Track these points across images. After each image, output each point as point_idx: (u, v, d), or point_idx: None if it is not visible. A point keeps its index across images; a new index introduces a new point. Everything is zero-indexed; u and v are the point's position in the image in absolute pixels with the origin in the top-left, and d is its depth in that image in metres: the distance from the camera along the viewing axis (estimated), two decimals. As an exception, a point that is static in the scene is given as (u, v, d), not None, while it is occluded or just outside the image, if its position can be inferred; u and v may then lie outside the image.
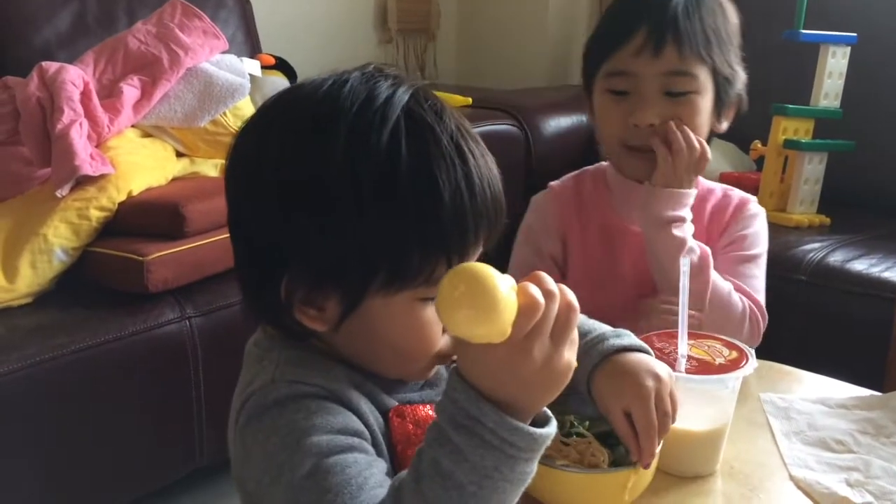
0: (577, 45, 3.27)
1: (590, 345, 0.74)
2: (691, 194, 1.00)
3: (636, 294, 1.02)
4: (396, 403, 0.68)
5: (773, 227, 1.56)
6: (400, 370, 0.68)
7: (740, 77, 1.04)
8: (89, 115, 1.61)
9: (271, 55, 2.34)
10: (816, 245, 1.79)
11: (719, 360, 0.78)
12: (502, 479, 0.53)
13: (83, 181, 1.55)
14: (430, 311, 0.63)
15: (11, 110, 1.60)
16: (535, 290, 0.52)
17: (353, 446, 0.60)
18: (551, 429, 0.56)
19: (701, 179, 1.09)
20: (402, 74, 0.65)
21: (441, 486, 0.52)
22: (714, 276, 0.99)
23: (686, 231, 0.99)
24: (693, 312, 0.91)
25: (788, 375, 1.03)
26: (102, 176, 1.56)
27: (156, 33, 1.82)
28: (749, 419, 0.90)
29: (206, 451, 1.58)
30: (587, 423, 0.76)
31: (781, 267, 1.65)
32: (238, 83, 1.84)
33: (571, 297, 0.54)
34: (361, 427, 0.62)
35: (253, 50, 2.37)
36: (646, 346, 0.75)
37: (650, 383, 0.69)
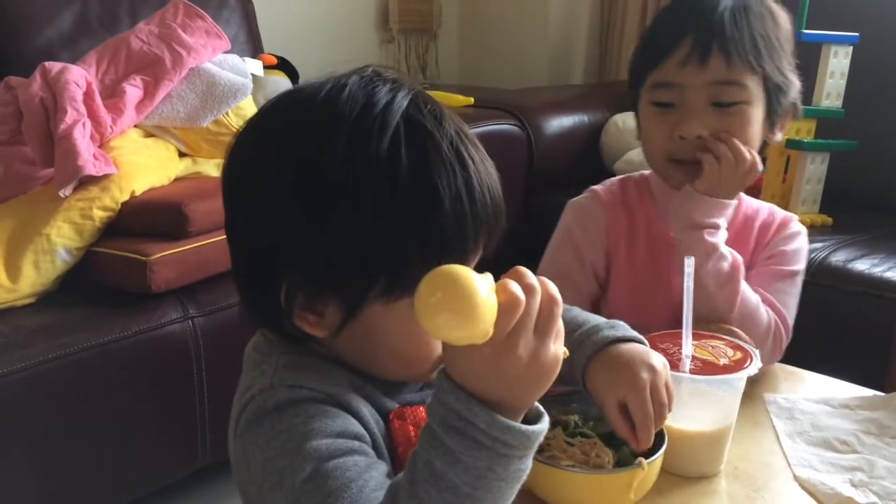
0: (579, 44, 3.28)
1: (584, 336, 0.74)
2: (731, 205, 0.96)
3: (678, 318, 0.95)
4: (397, 405, 0.68)
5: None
6: (401, 374, 0.68)
7: (794, 85, 0.99)
8: (92, 115, 1.61)
9: (273, 55, 2.34)
10: (819, 245, 1.79)
11: (723, 361, 0.79)
12: (496, 478, 0.53)
13: (86, 181, 1.56)
14: None
15: (14, 110, 1.60)
16: (514, 287, 0.52)
17: (353, 449, 0.59)
18: (543, 425, 0.55)
19: (748, 199, 1.06)
20: (401, 77, 0.65)
21: (435, 488, 0.52)
22: (743, 286, 0.95)
23: (719, 238, 0.95)
24: (735, 329, 0.90)
25: (792, 376, 1.03)
26: (105, 176, 1.56)
27: (158, 33, 1.82)
28: (753, 419, 0.90)
29: (209, 450, 1.58)
30: (591, 423, 0.76)
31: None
32: (240, 83, 1.84)
33: (553, 289, 0.54)
34: (361, 430, 0.62)
35: (255, 50, 2.37)
36: (640, 336, 0.74)
37: (645, 374, 0.70)
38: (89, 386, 1.41)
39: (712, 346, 0.81)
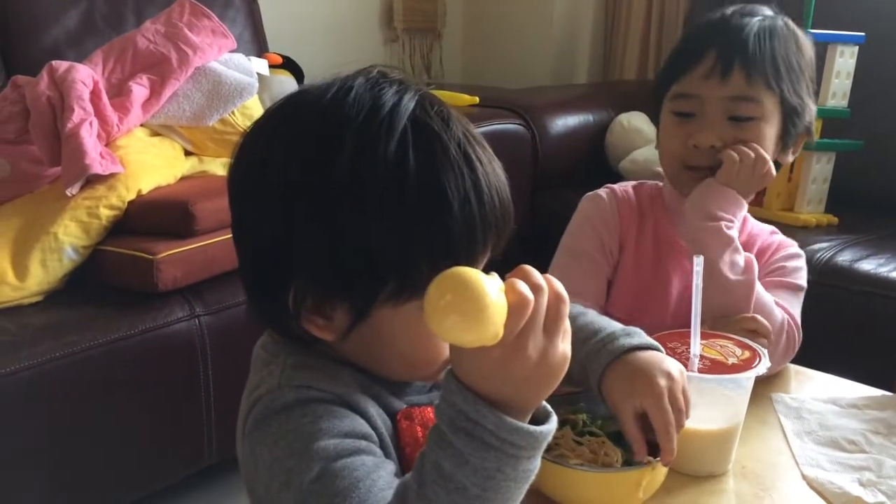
0: (583, 44, 3.29)
1: (600, 345, 0.74)
2: (744, 205, 0.99)
3: (673, 322, 0.97)
4: (404, 406, 0.67)
5: (781, 227, 1.55)
6: (408, 376, 0.68)
7: (810, 110, 1.02)
8: (99, 114, 1.62)
9: (278, 54, 2.34)
10: (825, 245, 1.79)
11: (732, 360, 0.79)
12: (505, 479, 0.53)
13: (93, 180, 1.56)
14: None
15: (22, 109, 1.60)
16: (522, 287, 0.51)
17: (361, 449, 0.59)
18: (552, 425, 0.55)
19: (753, 220, 1.09)
20: (407, 78, 0.64)
21: (444, 490, 0.52)
22: (758, 286, 0.97)
23: (734, 233, 0.97)
24: (757, 316, 0.91)
25: (799, 375, 1.03)
26: (112, 175, 1.57)
27: (164, 32, 1.82)
28: (760, 419, 0.90)
29: (215, 449, 1.59)
30: (599, 422, 0.76)
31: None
32: (246, 82, 1.84)
33: (559, 287, 0.54)
34: (369, 430, 0.62)
35: (260, 49, 2.37)
36: (657, 343, 0.74)
37: (663, 382, 0.69)
38: (95, 384, 1.42)
39: (720, 346, 0.81)
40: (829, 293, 1.66)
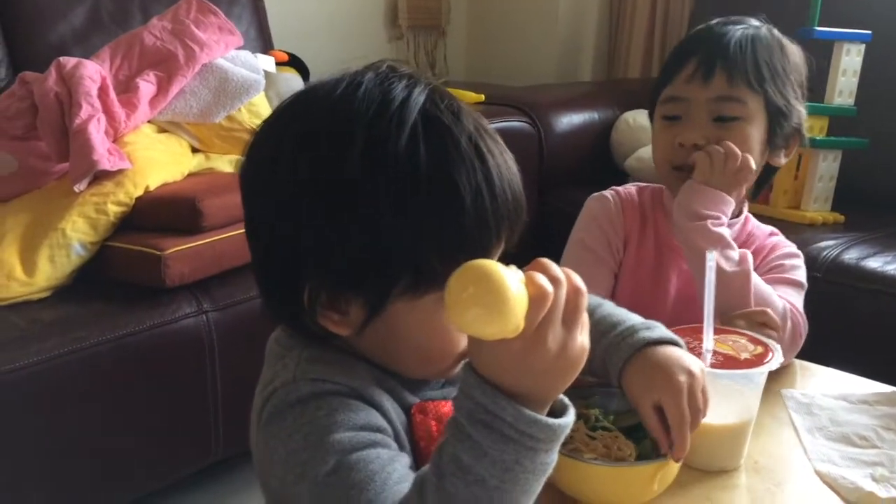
0: (588, 41, 3.28)
1: (619, 338, 0.74)
2: (729, 202, 1.00)
3: (670, 324, 0.99)
4: (418, 400, 0.68)
5: (787, 225, 1.55)
6: (424, 370, 0.68)
7: (797, 112, 1.04)
8: (106, 110, 1.62)
9: (284, 52, 2.34)
10: (831, 242, 1.79)
11: (744, 356, 0.79)
12: (523, 471, 0.53)
13: (100, 176, 1.56)
14: None
15: (30, 105, 1.60)
16: (541, 279, 0.51)
17: (376, 442, 0.59)
18: (570, 417, 0.55)
19: (755, 221, 1.11)
20: (417, 73, 0.64)
21: (463, 482, 0.52)
22: (755, 277, 0.98)
23: (723, 230, 0.98)
24: (767, 310, 0.92)
25: (808, 371, 1.03)
26: (119, 171, 1.57)
27: (171, 29, 1.83)
28: (771, 415, 0.90)
29: (222, 445, 1.59)
30: (612, 416, 0.76)
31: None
32: (253, 79, 1.84)
33: (577, 279, 0.54)
34: (384, 423, 0.62)
35: (265, 46, 2.38)
36: (677, 338, 0.74)
37: (683, 378, 0.69)
38: (103, 379, 1.42)
39: (733, 341, 0.81)
40: (835, 291, 1.66)
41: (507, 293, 0.49)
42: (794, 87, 1.04)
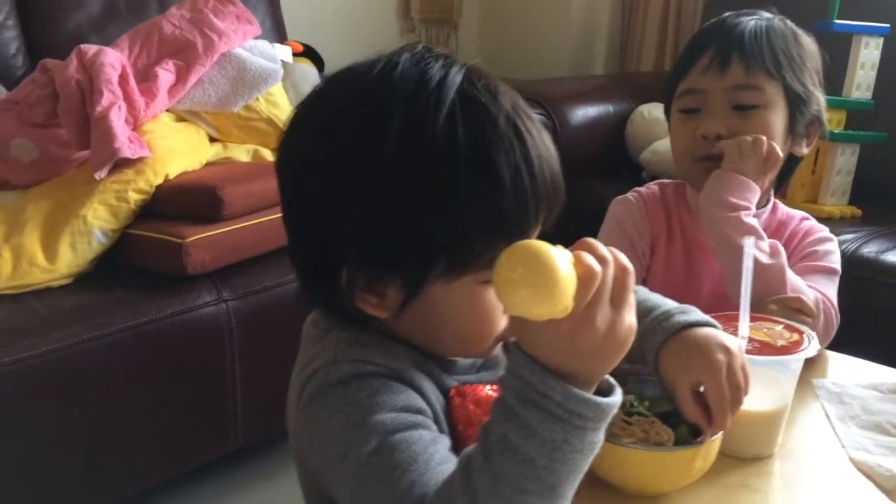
0: (601, 34, 3.27)
1: (655, 322, 0.74)
2: (756, 191, 0.99)
3: None
4: (456, 383, 0.68)
5: (805, 219, 1.52)
6: (463, 351, 0.68)
7: (816, 98, 1.03)
8: (126, 98, 1.62)
9: (299, 42, 2.34)
10: (850, 236, 1.78)
11: (780, 343, 0.78)
12: (572, 450, 0.53)
13: (121, 164, 1.56)
14: (492, 294, 0.61)
15: (51, 92, 1.61)
16: (589, 259, 0.51)
17: (417, 423, 0.59)
18: (617, 397, 0.55)
19: (783, 207, 1.10)
20: (452, 54, 0.64)
21: (511, 461, 0.52)
22: (788, 269, 0.97)
23: (755, 221, 0.98)
24: (802, 297, 0.92)
25: (837, 361, 1.03)
26: (140, 159, 1.57)
27: (190, 18, 1.83)
28: (802, 403, 0.90)
29: (241, 433, 1.59)
30: (647, 403, 0.76)
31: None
32: (271, 69, 1.84)
33: (624, 259, 0.54)
34: (424, 405, 0.62)
35: (280, 37, 2.37)
36: (713, 320, 0.74)
37: (721, 357, 0.69)
38: (124, 366, 1.42)
39: (768, 328, 0.81)
40: (855, 285, 1.65)
41: (557, 273, 0.49)
42: (811, 74, 1.03)
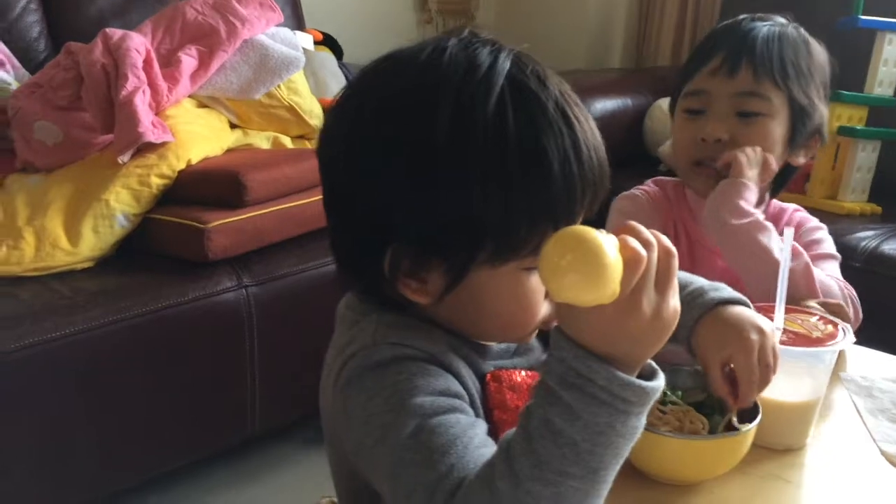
0: (618, 27, 3.25)
1: (689, 298, 0.74)
2: (753, 189, 1.00)
3: None
4: (492, 368, 0.68)
5: (824, 215, 1.53)
6: (503, 336, 0.68)
7: (819, 111, 1.04)
8: (150, 83, 1.62)
9: (319, 31, 2.34)
10: (870, 233, 1.78)
11: (815, 334, 0.78)
12: (615, 434, 0.53)
13: (144, 148, 1.57)
14: (534, 280, 0.62)
15: (75, 76, 1.61)
16: (634, 243, 0.51)
17: (455, 407, 0.59)
18: (660, 381, 0.55)
19: (774, 201, 1.11)
20: (498, 39, 0.64)
21: (554, 444, 0.52)
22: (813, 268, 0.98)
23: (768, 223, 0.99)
24: (839, 302, 0.93)
25: (863, 355, 1.03)
26: (163, 144, 1.58)
27: (213, 4, 1.82)
28: (830, 396, 0.90)
29: (259, 419, 1.60)
30: (679, 392, 0.76)
31: (836, 253, 1.64)
32: (293, 56, 1.84)
33: (667, 242, 0.54)
34: (461, 389, 0.62)
35: (299, 25, 2.37)
36: (745, 298, 0.74)
37: (754, 336, 0.69)
38: (144, 349, 1.43)
39: (802, 320, 0.81)
40: (875, 282, 1.65)
41: (605, 259, 0.49)
42: (817, 87, 1.04)
